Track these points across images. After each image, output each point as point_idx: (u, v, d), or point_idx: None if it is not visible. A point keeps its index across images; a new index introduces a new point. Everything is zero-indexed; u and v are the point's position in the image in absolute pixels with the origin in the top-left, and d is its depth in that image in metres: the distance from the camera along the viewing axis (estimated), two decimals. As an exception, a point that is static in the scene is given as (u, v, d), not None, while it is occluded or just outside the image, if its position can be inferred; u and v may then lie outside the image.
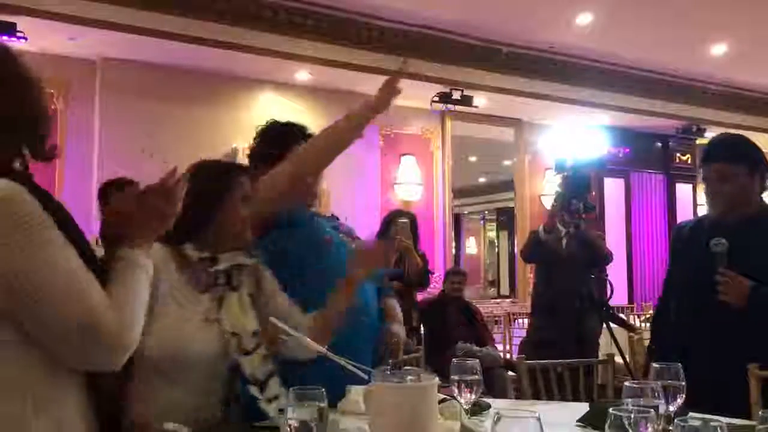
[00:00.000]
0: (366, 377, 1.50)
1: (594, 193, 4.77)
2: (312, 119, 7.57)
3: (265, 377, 1.73)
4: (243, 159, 6.91)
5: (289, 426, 1.18)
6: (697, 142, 9.78)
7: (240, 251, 1.86)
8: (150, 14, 5.62)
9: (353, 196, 6.80)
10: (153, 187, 1.38)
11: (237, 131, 6.72)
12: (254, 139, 2.38)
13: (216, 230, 1.81)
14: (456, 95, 7.31)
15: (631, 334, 4.57)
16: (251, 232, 1.87)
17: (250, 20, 6.09)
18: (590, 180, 3.83)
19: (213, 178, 1.84)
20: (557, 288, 3.98)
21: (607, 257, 4.50)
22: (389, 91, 2.19)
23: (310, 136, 2.27)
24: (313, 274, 2.01)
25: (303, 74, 6.85)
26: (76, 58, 6.08)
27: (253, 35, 6.12)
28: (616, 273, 8.82)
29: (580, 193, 3.90)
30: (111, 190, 3.36)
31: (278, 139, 2.27)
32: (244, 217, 1.83)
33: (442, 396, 1.54)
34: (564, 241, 4.03)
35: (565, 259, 3.96)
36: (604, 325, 3.94)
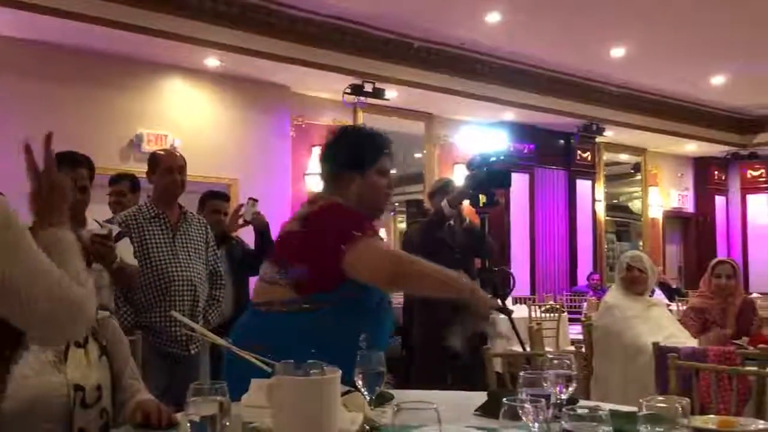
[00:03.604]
0: (270, 370, 1.50)
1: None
2: (221, 108, 7.49)
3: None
4: (146, 146, 6.66)
5: (190, 422, 1.17)
6: (597, 140, 10.25)
7: None
8: (49, -9, 5.36)
9: (263, 185, 6.71)
10: (49, 166, 1.39)
11: (142, 117, 6.50)
12: (334, 141, 2.19)
13: None
14: (368, 88, 7.33)
15: (531, 324, 4.75)
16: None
17: (158, 2, 5.90)
18: (509, 174, 3.84)
19: None
20: None
21: (494, 249, 4.53)
22: (484, 306, 1.99)
23: (383, 149, 2.19)
24: None
25: (213, 61, 6.69)
26: (-33, 34, 5.72)
27: (160, 18, 5.93)
28: (519, 265, 9.14)
29: (500, 186, 3.91)
30: None
31: (369, 148, 2.17)
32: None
33: (347, 388, 1.56)
34: (453, 233, 4.07)
35: (455, 250, 4.00)
36: (503, 316, 4.03)
